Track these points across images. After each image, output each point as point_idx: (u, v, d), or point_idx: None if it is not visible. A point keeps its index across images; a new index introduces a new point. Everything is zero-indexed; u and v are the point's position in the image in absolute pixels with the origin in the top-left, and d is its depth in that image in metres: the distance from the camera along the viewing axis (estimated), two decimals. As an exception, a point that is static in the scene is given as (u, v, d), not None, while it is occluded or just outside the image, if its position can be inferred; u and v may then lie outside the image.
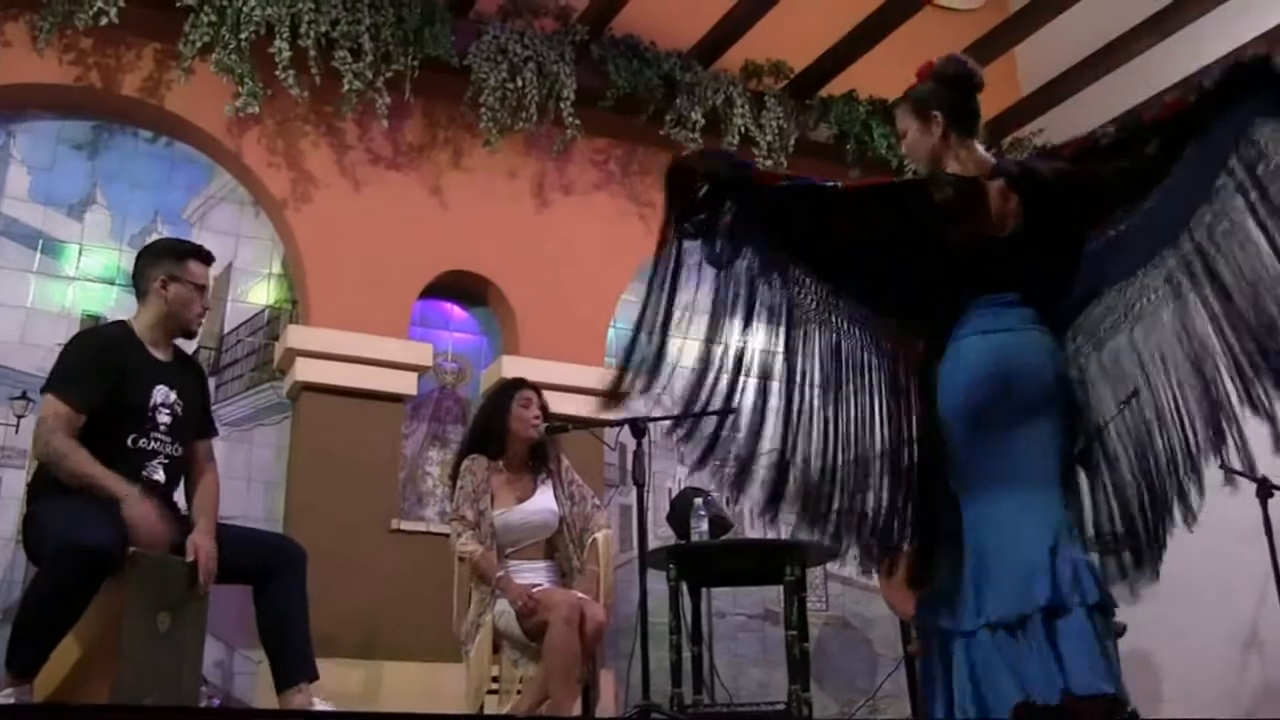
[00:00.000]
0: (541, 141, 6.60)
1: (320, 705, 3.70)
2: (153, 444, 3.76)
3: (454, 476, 4.71)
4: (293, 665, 3.73)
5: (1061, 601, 2.51)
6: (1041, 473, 2.68)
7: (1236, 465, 2.86)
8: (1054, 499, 2.67)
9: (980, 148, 2.96)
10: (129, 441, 3.71)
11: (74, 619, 3.36)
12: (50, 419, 3.62)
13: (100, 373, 3.70)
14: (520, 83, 6.23)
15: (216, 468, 4.02)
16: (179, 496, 3.92)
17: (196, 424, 3.96)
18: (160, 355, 3.89)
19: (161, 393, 3.81)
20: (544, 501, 4.67)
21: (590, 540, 4.65)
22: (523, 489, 4.68)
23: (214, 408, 4.25)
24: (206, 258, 4.02)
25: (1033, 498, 2.66)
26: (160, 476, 3.76)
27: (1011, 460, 2.70)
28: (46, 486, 3.66)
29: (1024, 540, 2.61)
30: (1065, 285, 2.84)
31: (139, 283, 3.96)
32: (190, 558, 3.60)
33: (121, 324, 3.99)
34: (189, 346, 4.20)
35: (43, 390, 3.75)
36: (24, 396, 5.41)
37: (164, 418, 3.79)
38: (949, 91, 2.99)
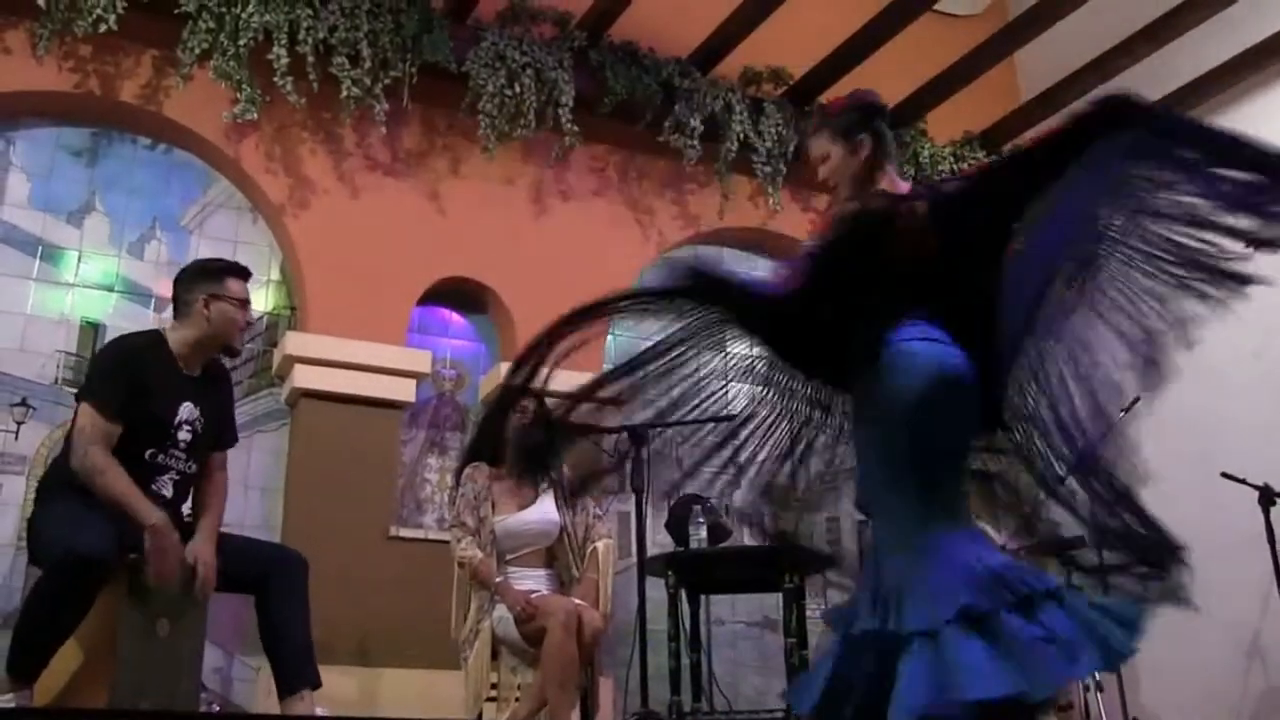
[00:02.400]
0: (539, 148, 6.60)
1: (320, 712, 3.71)
2: (168, 460, 3.76)
3: (456, 484, 4.73)
4: (295, 673, 3.73)
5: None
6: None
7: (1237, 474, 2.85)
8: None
9: (895, 173, 2.96)
10: (146, 455, 3.71)
11: (74, 625, 3.37)
12: (89, 430, 3.61)
13: (132, 382, 3.69)
14: (518, 89, 6.24)
15: (226, 476, 4.02)
16: (186, 507, 3.92)
17: (216, 437, 3.95)
18: (190, 371, 3.87)
19: (186, 410, 3.80)
20: (545, 509, 4.67)
21: (590, 549, 4.65)
22: (524, 496, 4.69)
23: (236, 429, 4.22)
24: (243, 273, 4.01)
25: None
26: (168, 492, 3.76)
27: None
28: (52, 491, 3.67)
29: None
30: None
31: (179, 302, 3.93)
32: (190, 562, 3.61)
33: (156, 334, 3.94)
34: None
35: (78, 397, 3.75)
36: (24, 403, 5.40)
37: (184, 435, 3.79)
38: (874, 119, 2.98)
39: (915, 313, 2.69)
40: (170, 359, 3.84)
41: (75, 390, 3.92)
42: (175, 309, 3.96)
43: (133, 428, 3.67)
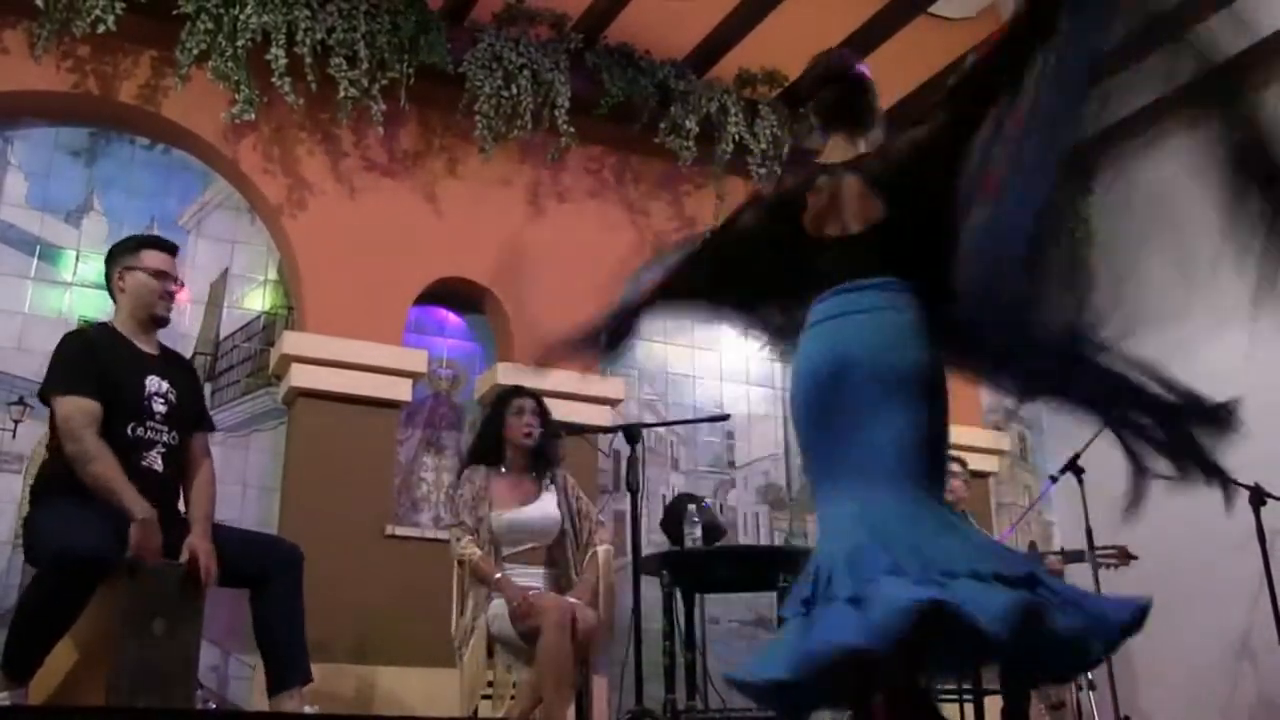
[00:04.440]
0: (536, 149, 6.62)
1: (309, 710, 3.72)
2: (150, 433, 3.79)
3: (455, 485, 4.77)
4: (287, 669, 3.75)
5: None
6: (885, 469, 2.52)
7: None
8: (899, 496, 2.50)
9: (854, 140, 2.92)
10: (128, 431, 3.74)
11: (69, 623, 3.38)
12: (77, 416, 3.65)
13: (93, 365, 3.74)
14: (515, 90, 6.26)
15: (212, 463, 4.05)
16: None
17: (192, 416, 3.99)
18: (146, 349, 3.93)
19: (154, 383, 3.84)
20: (546, 505, 4.70)
21: (590, 554, 4.68)
22: (525, 492, 4.72)
23: (210, 413, 4.28)
24: (162, 245, 4.07)
25: (873, 496, 2.51)
26: (159, 466, 3.79)
27: (851, 457, 2.57)
28: (47, 490, 3.69)
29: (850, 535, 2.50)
30: (945, 261, 2.60)
31: (107, 285, 4.04)
32: (184, 558, 3.63)
33: (104, 324, 4.07)
34: (186, 351, 4.22)
35: (47, 394, 3.77)
36: (21, 401, 5.42)
37: (159, 406, 3.83)
38: (817, 89, 3.03)
39: (838, 280, 2.70)
40: (122, 340, 3.92)
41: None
42: (109, 294, 4.07)
43: (108, 406, 3.70)
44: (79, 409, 3.65)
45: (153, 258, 4.00)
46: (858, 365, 2.59)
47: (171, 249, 4.09)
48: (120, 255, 4.02)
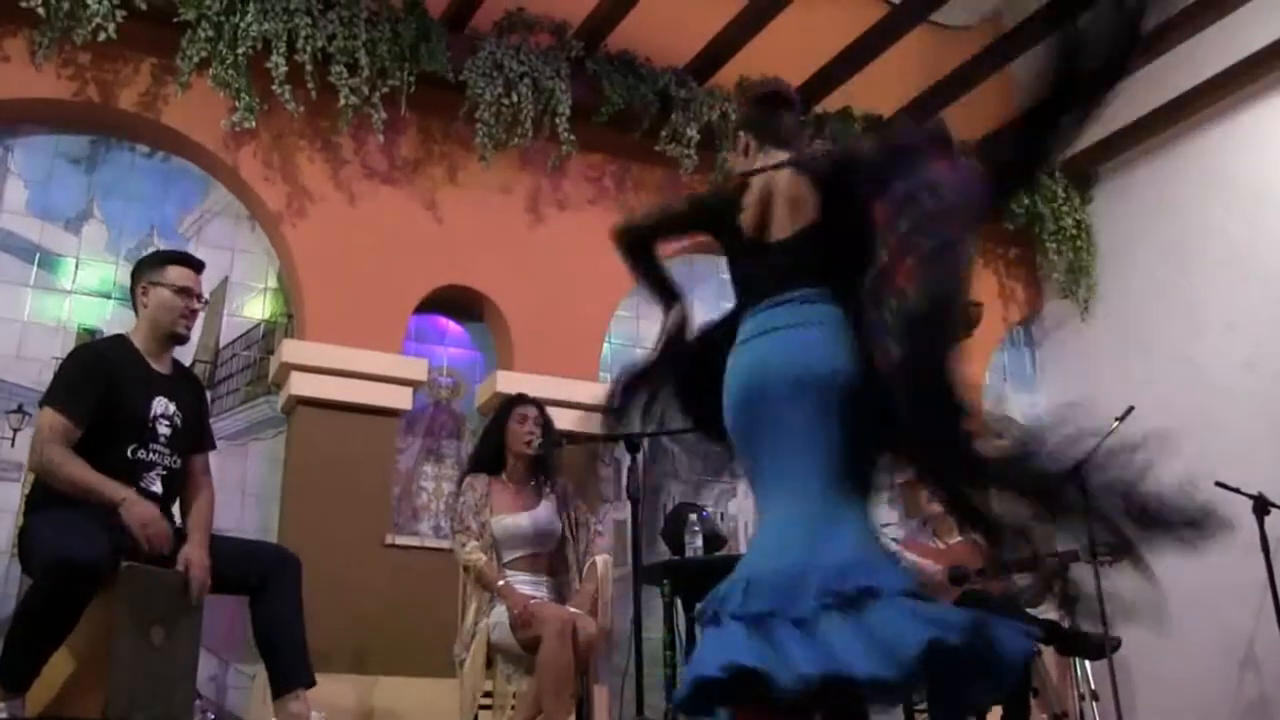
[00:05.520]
0: (536, 157, 6.62)
1: (316, 717, 3.71)
2: (151, 455, 3.77)
3: (457, 492, 4.77)
4: (289, 672, 3.74)
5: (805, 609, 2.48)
6: (807, 479, 2.65)
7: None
8: (825, 507, 2.63)
9: (782, 154, 3.03)
10: (128, 453, 3.72)
11: (66, 633, 3.36)
12: (46, 430, 3.63)
13: (97, 385, 3.70)
14: (515, 98, 6.25)
15: (212, 482, 4.03)
16: (174, 511, 3.92)
17: (194, 437, 3.97)
18: (159, 367, 3.90)
19: (161, 404, 3.82)
20: (546, 512, 4.71)
21: (589, 563, 4.69)
22: (526, 499, 4.74)
23: (211, 432, 4.25)
24: (189, 262, 4.03)
25: (797, 508, 2.65)
26: (158, 488, 3.77)
27: (776, 469, 2.71)
28: (42, 499, 3.66)
29: (781, 551, 2.63)
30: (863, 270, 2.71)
31: (131, 297, 4.00)
32: (180, 567, 3.61)
33: (120, 338, 4.01)
34: (185, 358, 4.20)
35: (40, 404, 3.76)
36: (20, 410, 5.41)
37: (163, 429, 3.80)
38: (749, 110, 3.18)
39: (766, 294, 2.82)
40: (136, 356, 3.87)
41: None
42: (132, 305, 4.03)
43: (110, 426, 3.68)
44: (50, 424, 3.63)
45: (178, 274, 3.95)
46: (779, 379, 2.71)
47: (197, 266, 4.04)
48: (145, 269, 3.97)
